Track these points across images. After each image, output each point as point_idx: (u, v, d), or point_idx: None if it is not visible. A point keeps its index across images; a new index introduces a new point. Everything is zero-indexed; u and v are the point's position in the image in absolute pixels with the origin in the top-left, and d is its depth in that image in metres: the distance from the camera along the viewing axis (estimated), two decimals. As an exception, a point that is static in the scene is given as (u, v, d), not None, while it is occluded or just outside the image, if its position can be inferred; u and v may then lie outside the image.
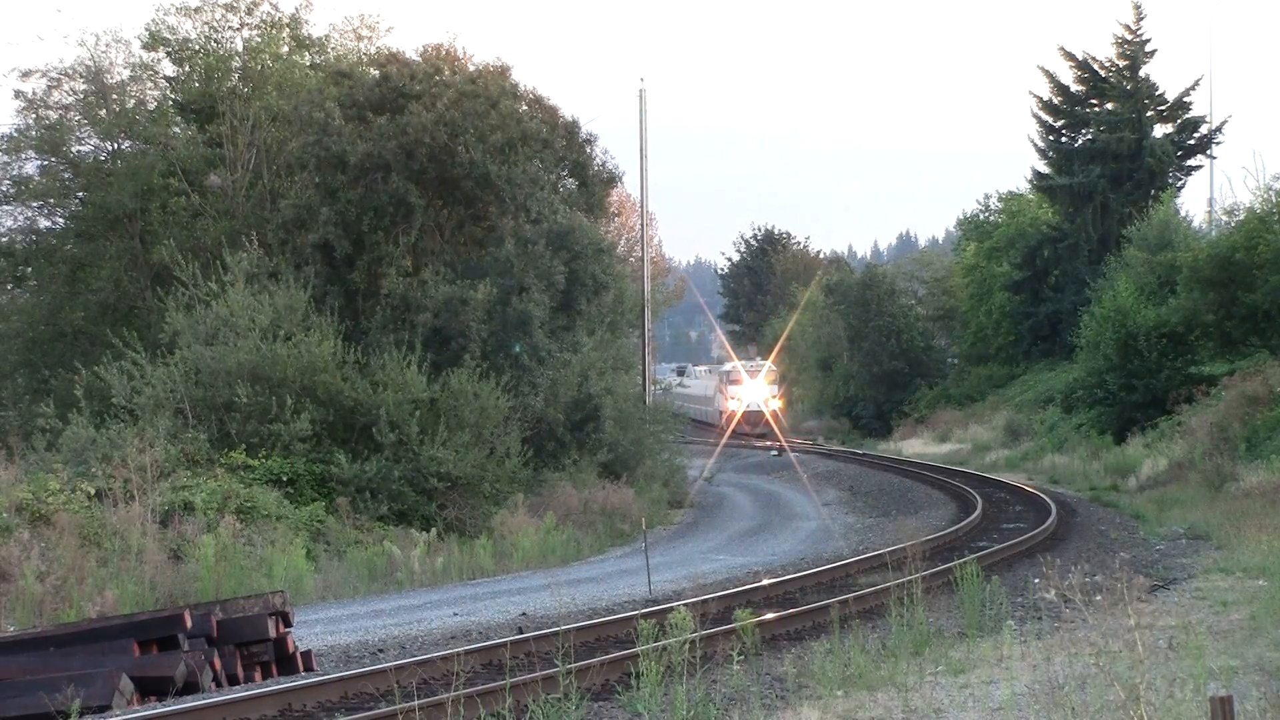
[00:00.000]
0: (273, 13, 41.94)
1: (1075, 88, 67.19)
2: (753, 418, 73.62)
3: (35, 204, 42.50)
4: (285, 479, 30.06)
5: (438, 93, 37.15)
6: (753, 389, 75.45)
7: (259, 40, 41.68)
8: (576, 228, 38.14)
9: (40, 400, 33.52)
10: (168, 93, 42.77)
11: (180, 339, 32.49)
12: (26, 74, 41.19)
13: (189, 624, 15.73)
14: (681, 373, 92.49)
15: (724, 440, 65.54)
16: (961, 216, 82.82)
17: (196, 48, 41.82)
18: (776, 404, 75.53)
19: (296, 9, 42.31)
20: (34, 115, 41.52)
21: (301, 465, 30.73)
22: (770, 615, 18.91)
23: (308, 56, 42.57)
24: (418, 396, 32.52)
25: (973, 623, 16.80)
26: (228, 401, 31.32)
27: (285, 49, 42.06)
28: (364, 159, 36.14)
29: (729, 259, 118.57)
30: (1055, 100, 67.31)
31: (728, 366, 79.45)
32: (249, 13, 41.71)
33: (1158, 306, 46.37)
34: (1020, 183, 75.75)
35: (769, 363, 76.87)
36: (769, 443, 66.76)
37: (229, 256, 33.45)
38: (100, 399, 31.51)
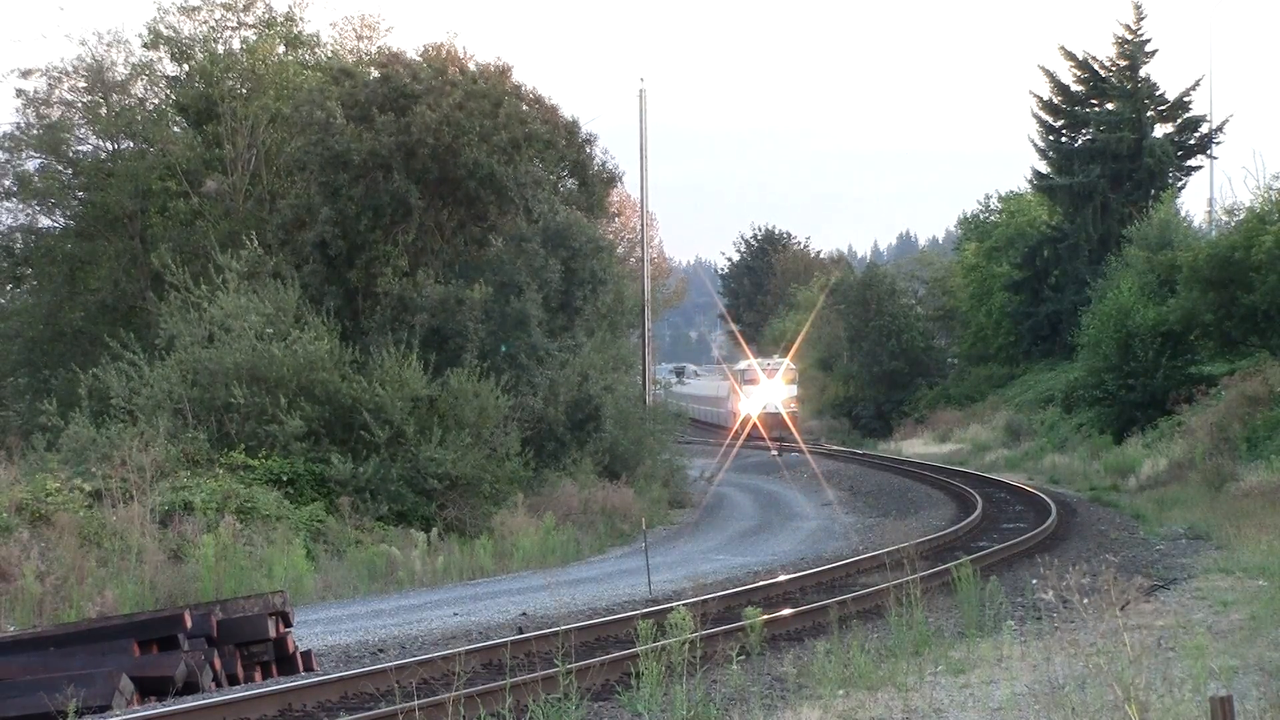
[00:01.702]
0: (267, 13, 41.98)
1: (1075, 88, 67.22)
2: (771, 420, 67.28)
3: (35, 203, 42.52)
4: (285, 479, 30.05)
5: (444, 91, 37.13)
6: (771, 389, 69.26)
7: (256, 39, 41.68)
8: (574, 224, 38.10)
9: (41, 399, 33.53)
10: (168, 93, 42.79)
11: (177, 340, 32.49)
12: (27, 73, 41.29)
13: (189, 624, 15.72)
14: (679, 373, 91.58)
15: (739, 444, 62.62)
16: (962, 216, 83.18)
17: (196, 48, 41.83)
18: (794, 405, 70.18)
19: (291, 6, 42.42)
20: (34, 113, 41.54)
21: (301, 465, 30.72)
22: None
23: (303, 53, 42.56)
24: (416, 393, 32.49)
25: (972, 623, 16.78)
26: (225, 402, 31.31)
27: (281, 47, 42.08)
28: (366, 158, 36.13)
29: (729, 259, 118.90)
30: (1055, 100, 67.33)
31: (743, 365, 74.48)
32: (245, 10, 41.73)
33: (1158, 306, 46.36)
34: (1020, 183, 75.96)
35: (788, 360, 71.38)
36: (781, 445, 63.11)
37: (223, 259, 33.42)
38: (100, 399, 31.50)
